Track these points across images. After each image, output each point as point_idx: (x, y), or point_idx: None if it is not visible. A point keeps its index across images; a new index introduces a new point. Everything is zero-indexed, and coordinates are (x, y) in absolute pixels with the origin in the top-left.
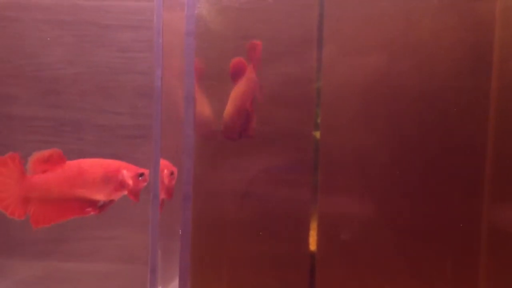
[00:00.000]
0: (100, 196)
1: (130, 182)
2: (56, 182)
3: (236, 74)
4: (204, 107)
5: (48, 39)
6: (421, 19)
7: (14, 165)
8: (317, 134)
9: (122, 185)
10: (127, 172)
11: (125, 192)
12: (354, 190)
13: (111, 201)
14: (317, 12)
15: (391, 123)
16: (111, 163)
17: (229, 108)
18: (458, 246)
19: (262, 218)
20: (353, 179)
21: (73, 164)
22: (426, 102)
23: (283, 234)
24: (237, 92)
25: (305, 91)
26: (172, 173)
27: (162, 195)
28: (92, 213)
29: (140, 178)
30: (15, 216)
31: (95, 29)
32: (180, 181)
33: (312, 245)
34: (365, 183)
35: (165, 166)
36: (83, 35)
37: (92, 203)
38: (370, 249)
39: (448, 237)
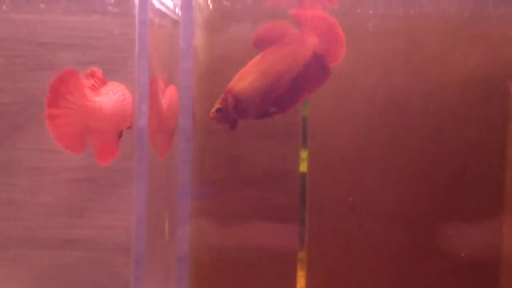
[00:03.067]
0: None
1: None
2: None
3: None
4: None
5: None
6: (425, 39)
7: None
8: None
9: None
10: None
11: None
12: (345, 232)
13: None
14: None
15: (387, 157)
16: None
17: (256, 80)
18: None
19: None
20: (345, 221)
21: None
22: (429, 137)
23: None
24: (271, 59)
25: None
26: None
27: None
28: None
29: None
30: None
31: (30, 48)
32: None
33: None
34: (358, 223)
35: None
36: (14, 55)
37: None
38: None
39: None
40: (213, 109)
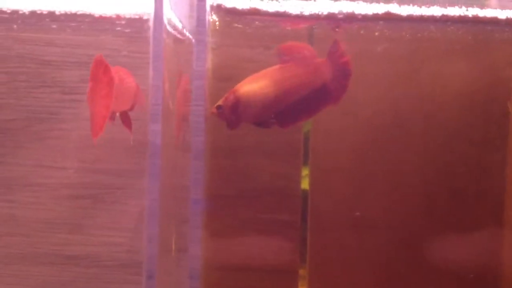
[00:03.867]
0: None
1: None
2: None
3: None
4: None
5: None
6: (426, 61)
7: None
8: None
9: None
10: None
11: None
12: (346, 249)
13: None
14: None
15: (388, 174)
16: None
17: (267, 87)
18: None
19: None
20: (346, 237)
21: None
22: (430, 155)
23: None
24: (286, 73)
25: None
26: None
27: None
28: None
29: None
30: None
31: (32, 66)
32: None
33: None
34: (359, 240)
35: None
36: (17, 72)
37: None
38: None
39: None
40: (216, 105)
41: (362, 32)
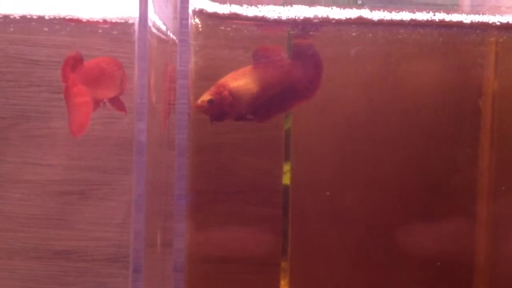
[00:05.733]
0: None
1: None
2: None
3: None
4: None
5: None
6: (400, 61)
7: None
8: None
9: None
10: None
11: None
12: (327, 243)
13: None
14: None
15: (367, 169)
16: None
17: (248, 84)
18: None
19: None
20: (327, 231)
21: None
22: (406, 151)
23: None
24: (262, 72)
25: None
26: None
27: None
28: None
29: None
30: None
31: (20, 65)
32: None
33: None
34: (340, 233)
35: None
36: (5, 72)
37: None
38: None
39: None
40: (203, 99)
41: (339, 35)
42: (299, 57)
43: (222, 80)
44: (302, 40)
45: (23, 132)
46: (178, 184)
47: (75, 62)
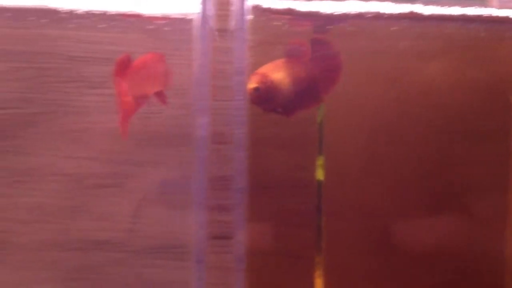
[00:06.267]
0: None
1: None
2: None
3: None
4: None
5: None
6: (430, 58)
7: None
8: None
9: None
10: None
11: None
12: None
13: None
14: None
15: (397, 165)
16: None
17: (285, 78)
18: None
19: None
20: (358, 227)
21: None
22: (436, 146)
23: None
24: (294, 66)
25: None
26: None
27: None
28: None
29: None
30: None
31: (60, 61)
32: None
33: None
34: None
35: None
36: (45, 68)
37: None
38: None
39: None
40: (249, 86)
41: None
42: (318, 53)
43: (262, 70)
44: (320, 36)
45: (61, 126)
46: (237, 177)
47: (125, 65)
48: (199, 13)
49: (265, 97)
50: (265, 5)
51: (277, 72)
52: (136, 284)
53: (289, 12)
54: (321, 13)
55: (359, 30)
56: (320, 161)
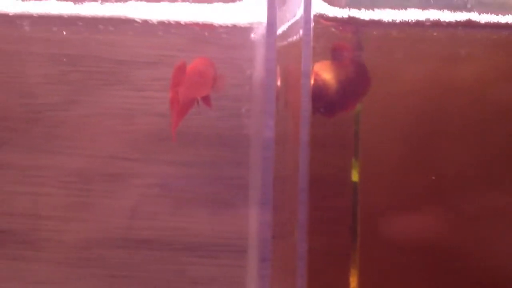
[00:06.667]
0: None
1: None
2: None
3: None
4: None
5: None
6: (467, 61)
7: None
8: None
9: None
10: None
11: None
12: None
13: None
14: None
15: (433, 167)
16: None
17: (332, 79)
18: None
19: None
20: (395, 227)
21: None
22: (478, 150)
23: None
24: (339, 68)
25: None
26: None
27: None
28: None
29: None
30: None
31: (106, 65)
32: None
33: None
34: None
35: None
36: (92, 71)
37: None
38: None
39: None
40: None
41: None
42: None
43: (314, 69)
44: (341, 44)
45: (108, 128)
46: (301, 178)
47: (181, 71)
48: (263, 22)
49: (316, 96)
50: (330, 14)
51: (326, 73)
52: (178, 280)
53: (353, 20)
54: (383, 21)
55: (404, 36)
56: (355, 162)
